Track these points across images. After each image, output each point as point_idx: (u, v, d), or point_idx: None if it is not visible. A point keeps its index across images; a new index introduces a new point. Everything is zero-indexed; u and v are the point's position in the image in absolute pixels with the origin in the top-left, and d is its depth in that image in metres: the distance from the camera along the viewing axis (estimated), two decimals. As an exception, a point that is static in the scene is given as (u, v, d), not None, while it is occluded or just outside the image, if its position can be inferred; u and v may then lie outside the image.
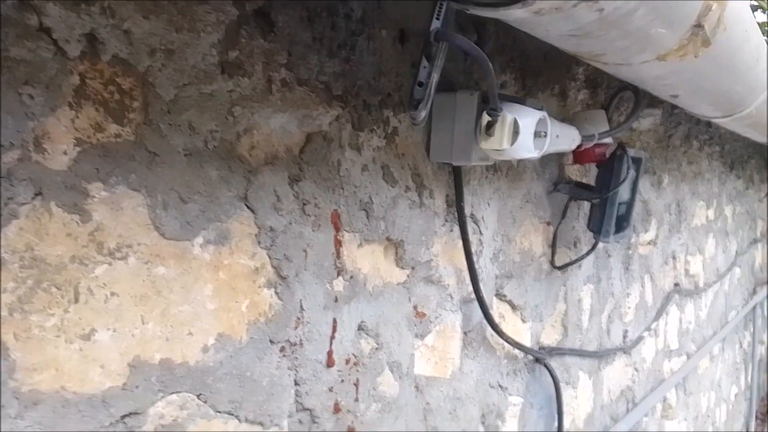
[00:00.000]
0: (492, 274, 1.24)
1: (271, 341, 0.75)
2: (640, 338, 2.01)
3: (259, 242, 0.73)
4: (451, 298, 1.12)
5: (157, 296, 0.62)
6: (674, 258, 2.44)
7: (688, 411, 2.70)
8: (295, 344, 0.79)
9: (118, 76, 0.59)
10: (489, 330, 1.21)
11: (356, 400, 0.88)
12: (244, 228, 0.71)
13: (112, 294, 0.58)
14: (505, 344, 1.27)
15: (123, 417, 0.59)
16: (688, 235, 2.63)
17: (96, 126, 0.58)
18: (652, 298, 2.17)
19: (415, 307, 1.03)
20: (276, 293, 0.75)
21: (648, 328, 2.09)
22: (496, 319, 1.24)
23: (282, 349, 0.76)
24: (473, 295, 1.14)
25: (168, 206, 0.63)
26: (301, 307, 0.79)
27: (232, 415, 0.70)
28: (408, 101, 0.75)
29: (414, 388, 1.03)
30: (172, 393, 0.63)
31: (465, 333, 1.17)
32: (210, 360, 0.67)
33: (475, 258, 1.18)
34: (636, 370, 2.02)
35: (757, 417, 4.49)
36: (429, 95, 0.72)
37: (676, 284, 2.43)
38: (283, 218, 0.75)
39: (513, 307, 1.33)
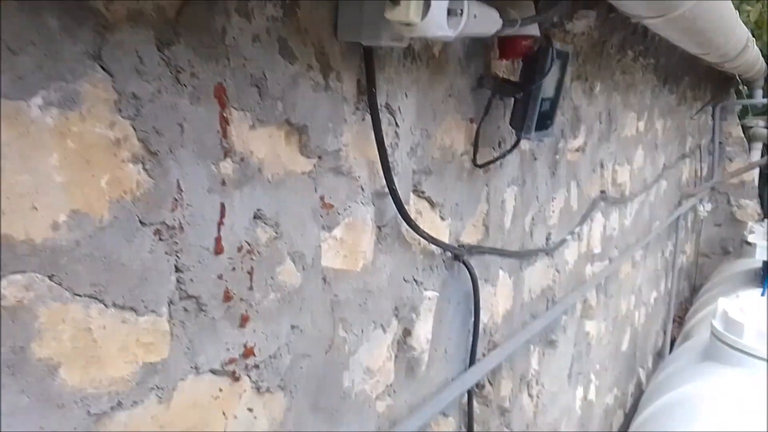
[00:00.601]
0: (409, 169, 1.20)
1: (141, 222, 0.68)
2: (563, 241, 2.05)
3: (120, 110, 0.64)
4: (363, 190, 1.07)
5: (-15, 162, 0.53)
6: (602, 166, 2.48)
7: (608, 312, 2.84)
8: (173, 228, 0.72)
9: None
10: (404, 225, 1.18)
11: (250, 288, 0.84)
12: (99, 92, 0.62)
13: None
14: (422, 240, 1.24)
15: (-51, 296, 0.52)
16: (617, 144, 2.66)
17: None
18: (578, 203, 2.21)
19: (321, 198, 0.98)
20: (145, 169, 0.67)
21: (572, 232, 2.13)
22: (413, 215, 1.20)
23: (157, 232, 0.70)
24: (387, 189, 1.09)
25: (-10, 56, 0.53)
26: (179, 187, 0.72)
27: (96, 299, 0.64)
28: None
29: (321, 280, 0.99)
30: (15, 272, 0.56)
31: (378, 227, 1.13)
32: (62, 239, 0.60)
33: (390, 151, 1.12)
34: (558, 271, 2.07)
35: (674, 320, 4.84)
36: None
37: (603, 192, 2.48)
38: (149, 85, 0.66)
39: (432, 204, 1.30)
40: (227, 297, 0.80)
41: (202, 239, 0.76)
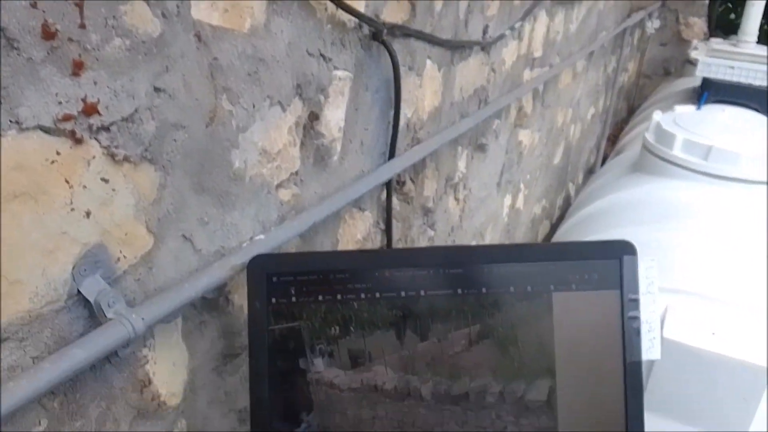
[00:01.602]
0: None
1: None
2: (501, 36, 1.88)
3: None
4: None
5: None
6: (552, -44, 2.23)
7: (543, 123, 2.78)
8: None
9: None
10: (305, -17, 0.98)
11: (82, 27, 0.65)
12: None
13: None
14: (329, 5, 1.05)
15: None
16: (571, -67, 2.38)
17: None
18: (521, -4, 2.00)
19: (184, -75, 0.76)
20: None
21: (512, 28, 1.95)
22: (317, -27, 1.00)
23: None
24: (278, -72, 0.87)
25: None
26: None
27: None
28: None
29: (194, 37, 0.81)
30: None
31: (272, -18, 0.93)
32: None
33: None
34: (493, 71, 1.93)
35: (608, 139, 4.92)
36: None
37: (550, -13, 2.26)
38: None
39: (342, -37, 1.08)
40: (48, 34, 0.62)
41: (-6, -55, 0.56)
